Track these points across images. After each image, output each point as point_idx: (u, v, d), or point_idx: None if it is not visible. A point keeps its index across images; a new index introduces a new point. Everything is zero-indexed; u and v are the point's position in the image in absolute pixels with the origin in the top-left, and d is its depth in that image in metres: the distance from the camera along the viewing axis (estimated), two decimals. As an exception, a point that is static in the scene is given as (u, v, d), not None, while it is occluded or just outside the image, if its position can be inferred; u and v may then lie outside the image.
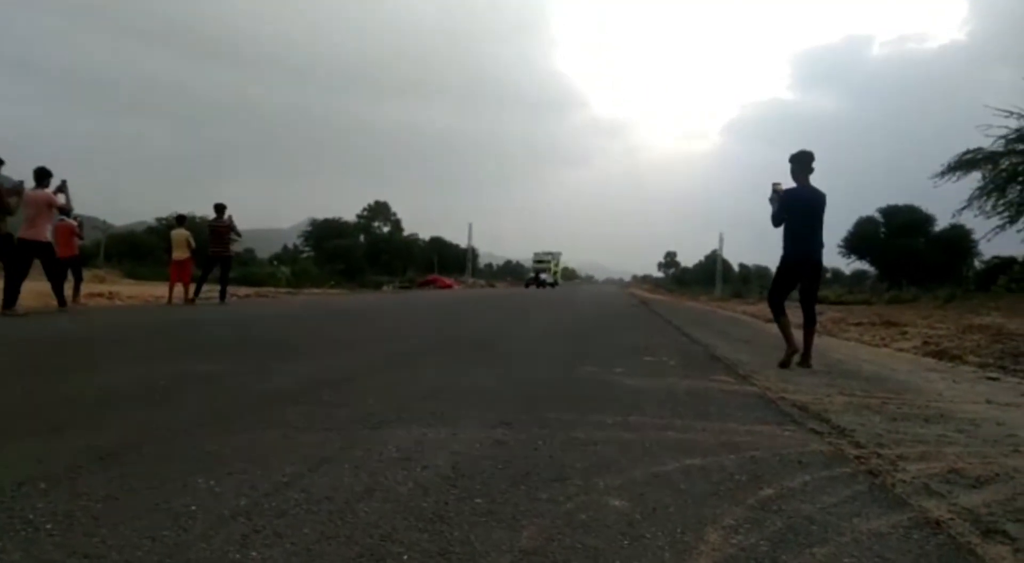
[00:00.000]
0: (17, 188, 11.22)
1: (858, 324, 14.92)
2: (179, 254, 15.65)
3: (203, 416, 3.74)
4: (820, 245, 7.37)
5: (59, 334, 8.43)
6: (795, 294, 7.74)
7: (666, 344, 9.38)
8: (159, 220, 51.79)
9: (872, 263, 50.02)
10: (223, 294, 16.61)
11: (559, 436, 3.55)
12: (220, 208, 16.70)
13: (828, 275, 79.75)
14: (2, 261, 11.10)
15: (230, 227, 16.34)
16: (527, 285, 69.97)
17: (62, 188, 12.11)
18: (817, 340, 7.76)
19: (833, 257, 51.41)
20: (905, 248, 43.66)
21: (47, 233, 11.57)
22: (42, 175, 11.55)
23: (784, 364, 7.18)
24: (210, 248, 16.34)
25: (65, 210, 12.53)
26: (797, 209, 7.23)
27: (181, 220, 16.90)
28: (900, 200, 47.44)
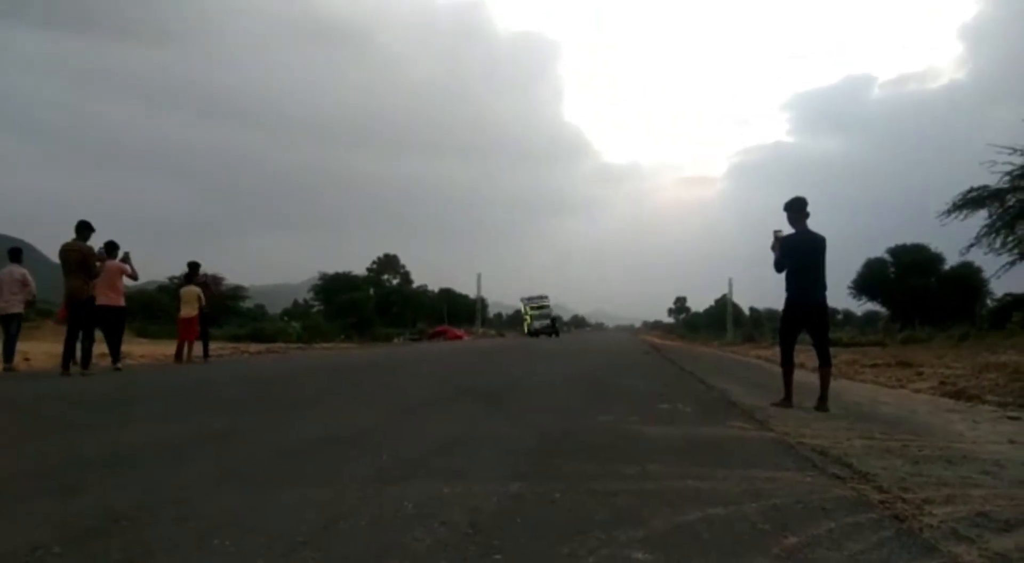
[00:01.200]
0: (102, 256, 11.90)
1: (873, 366, 14.79)
2: (188, 311, 15.54)
3: (218, 474, 3.71)
4: (823, 287, 7.45)
5: (73, 394, 8.42)
6: (805, 337, 7.81)
7: (681, 391, 9.30)
8: (171, 279, 52.10)
9: (883, 304, 49.72)
10: (206, 351, 16.40)
11: (577, 488, 3.50)
12: (194, 266, 16.61)
13: (839, 317, 79.41)
14: (80, 323, 11.41)
15: (207, 284, 16.23)
16: (534, 334, 60.26)
17: (126, 259, 12.75)
18: (833, 383, 7.69)
19: (843, 299, 51.15)
20: (916, 288, 43.43)
21: (122, 298, 12.35)
22: (112, 247, 12.39)
23: (776, 404, 7.38)
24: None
25: (134, 278, 13.19)
26: (797, 254, 7.35)
27: (192, 276, 16.74)
28: (908, 240, 47.32)
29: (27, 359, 13.29)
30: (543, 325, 61.99)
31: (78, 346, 11.50)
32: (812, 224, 7.39)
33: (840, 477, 3.89)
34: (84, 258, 11.27)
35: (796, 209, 7.42)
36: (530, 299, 68.04)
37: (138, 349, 18.84)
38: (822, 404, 7.20)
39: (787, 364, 7.60)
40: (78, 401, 7.73)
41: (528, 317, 65.61)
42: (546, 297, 69.32)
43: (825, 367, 7.45)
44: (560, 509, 3.12)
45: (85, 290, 11.25)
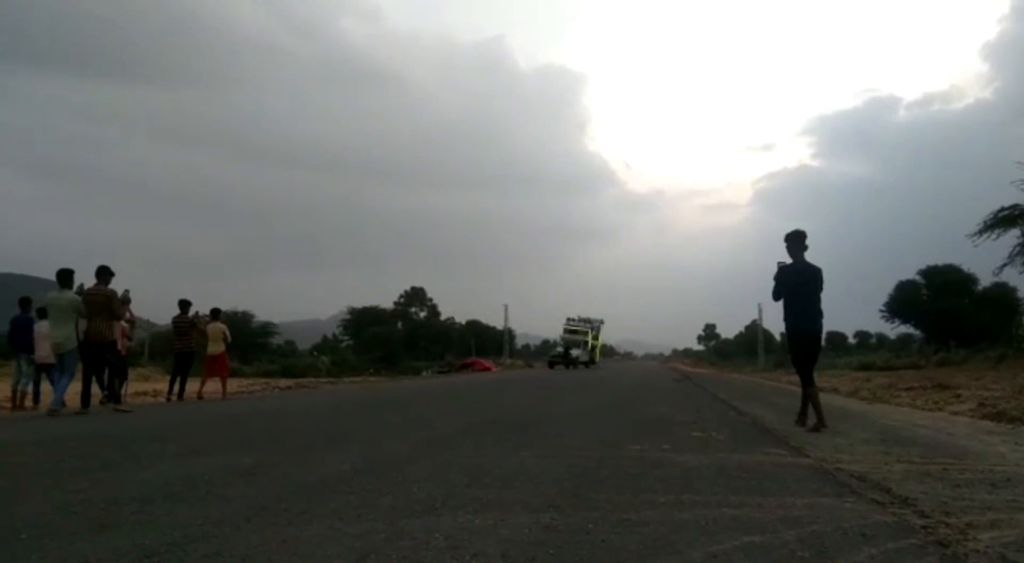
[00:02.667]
0: (126, 299, 12.67)
1: (909, 389, 14.54)
2: (214, 348, 15.53)
3: (248, 510, 3.70)
4: (817, 315, 7.76)
5: (104, 432, 8.49)
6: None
7: (713, 418, 9.19)
8: (202, 316, 52.72)
9: (916, 326, 49.02)
10: (182, 390, 15.59)
11: (610, 518, 3.44)
12: (184, 304, 16.11)
13: (872, 341, 78.22)
14: (100, 363, 11.66)
15: (193, 323, 15.79)
16: (551, 364, 52.01)
17: (126, 298, 13.15)
18: (869, 408, 7.77)
19: (876, 322, 50.49)
20: (949, 309, 42.76)
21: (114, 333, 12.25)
22: (104, 272, 12.15)
23: (801, 424, 7.76)
24: (176, 344, 15.93)
25: (130, 323, 13.86)
26: (789, 284, 7.70)
27: (216, 314, 16.78)
28: (940, 261, 46.66)
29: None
30: (570, 354, 52.67)
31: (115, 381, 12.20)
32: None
33: (880, 502, 3.81)
34: (108, 301, 11.59)
35: (796, 240, 7.78)
36: (570, 321, 59.19)
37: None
38: (818, 421, 7.47)
39: (809, 386, 7.83)
40: (106, 438, 7.79)
41: (561, 345, 57.02)
42: (589, 323, 59.18)
43: (809, 387, 7.78)
44: (593, 540, 3.07)
45: (108, 333, 11.59)
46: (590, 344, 57.52)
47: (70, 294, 11.49)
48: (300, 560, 2.78)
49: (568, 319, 59.30)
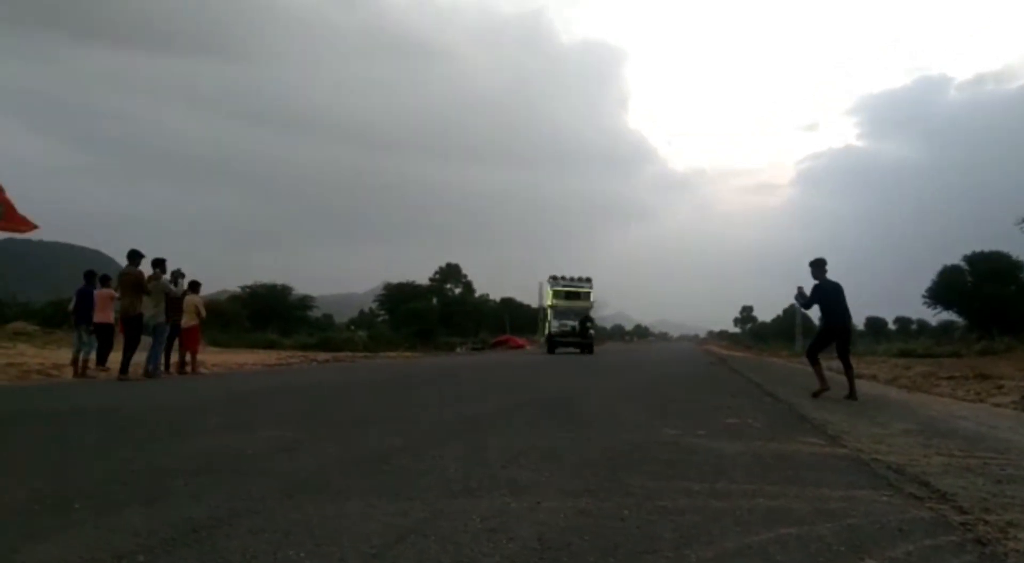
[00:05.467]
0: (157, 276, 13.53)
1: (949, 378, 14.30)
2: (187, 320, 14.96)
3: (289, 485, 3.79)
4: (846, 312, 10.40)
5: (152, 403, 8.71)
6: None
7: (749, 404, 9.15)
8: (243, 288, 53.42)
9: (959, 313, 48.03)
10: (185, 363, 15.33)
11: (645, 505, 3.47)
12: (157, 260, 14.40)
13: (913, 327, 76.90)
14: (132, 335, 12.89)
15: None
16: (552, 346, 35.34)
17: (175, 278, 14.44)
18: (908, 396, 7.85)
19: (918, 308, 49.61)
20: (994, 296, 41.77)
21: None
22: (159, 262, 13.60)
23: (816, 395, 9.99)
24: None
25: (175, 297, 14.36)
26: (826, 297, 10.29)
27: (194, 286, 15.84)
28: (986, 247, 45.52)
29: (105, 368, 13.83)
30: (564, 329, 35.63)
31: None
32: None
33: (918, 497, 3.78)
34: (138, 281, 12.80)
35: (819, 266, 10.37)
36: (557, 280, 39.63)
37: (210, 358, 19.39)
38: (852, 394, 9.81)
39: (816, 364, 10.42)
40: (153, 409, 7.99)
41: (548, 313, 38.78)
42: (585, 281, 39.78)
43: (849, 371, 10.17)
44: (628, 526, 3.10)
45: (135, 307, 12.76)
46: (585, 314, 37.64)
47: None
48: (341, 538, 2.84)
49: (553, 278, 39.77)
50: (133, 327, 12.86)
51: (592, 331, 36.49)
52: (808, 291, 10.49)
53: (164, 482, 3.85)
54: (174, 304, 14.22)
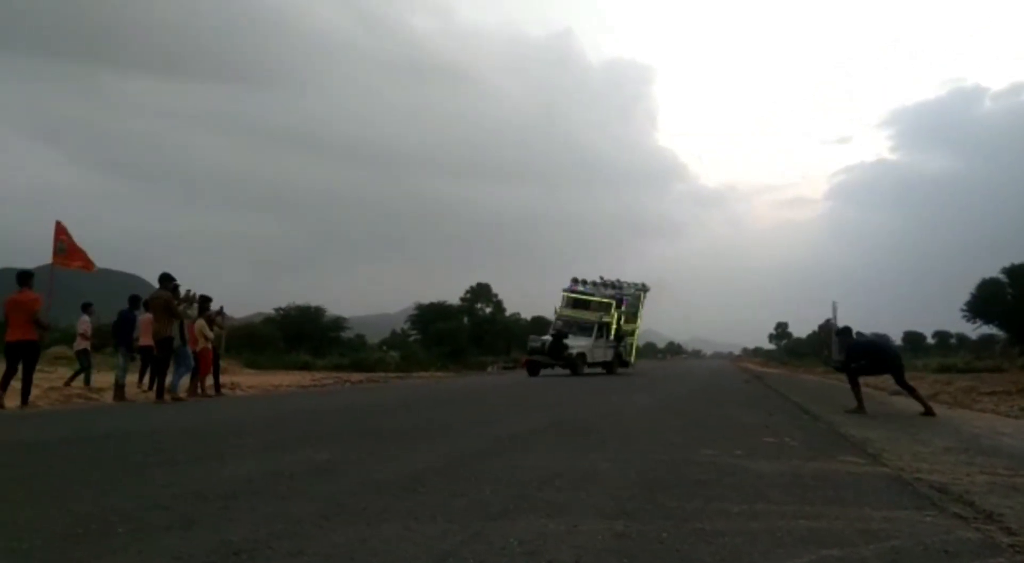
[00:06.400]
0: (191, 297, 14.11)
1: (991, 393, 14.02)
2: (200, 344, 14.73)
3: (327, 508, 3.81)
4: (893, 348, 11.36)
5: (189, 426, 8.81)
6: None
7: (786, 422, 9.03)
8: (277, 310, 53.98)
9: (1000, 326, 47.09)
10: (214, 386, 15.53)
11: (683, 527, 3.43)
12: (205, 299, 15.29)
13: (952, 341, 75.49)
14: (164, 357, 12.95)
15: (211, 318, 15.34)
16: (532, 369, 28.19)
17: (210, 317, 15.04)
18: (949, 413, 7.69)
19: (957, 322, 48.77)
20: (1036, 309, 40.91)
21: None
22: (166, 279, 13.42)
23: (850, 412, 10.21)
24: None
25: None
26: (868, 350, 10.75)
27: (202, 310, 15.42)
28: (1025, 259, 44.55)
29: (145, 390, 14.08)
30: (534, 345, 29.02)
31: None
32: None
33: (962, 517, 3.70)
34: (166, 304, 12.93)
35: (846, 334, 11.25)
36: (576, 283, 31.97)
37: (246, 380, 19.58)
38: (928, 411, 10.14)
39: (856, 384, 10.71)
40: (189, 432, 8.09)
41: (552, 329, 30.10)
42: (616, 287, 32.20)
43: (913, 392, 10.64)
44: (667, 549, 3.07)
45: (166, 330, 12.84)
46: (613, 327, 30.16)
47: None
48: (380, 560, 2.85)
49: (573, 281, 32.08)
50: (163, 350, 12.98)
51: (576, 352, 27.72)
52: (840, 338, 11.59)
53: (202, 505, 3.89)
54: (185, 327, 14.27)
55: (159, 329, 12.93)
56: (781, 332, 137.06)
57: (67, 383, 15.00)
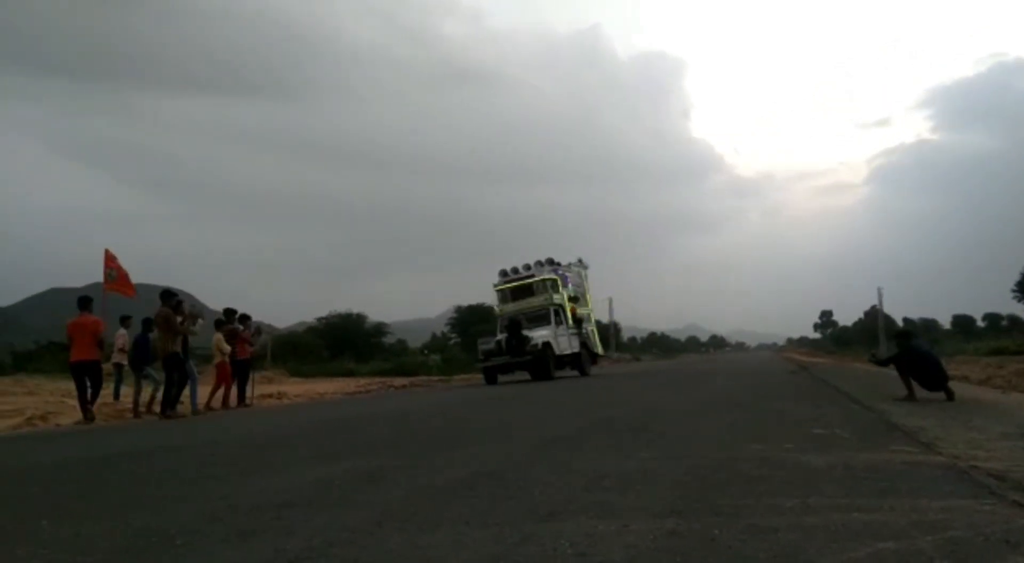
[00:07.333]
0: (192, 311, 14.13)
1: (1048, 376, 13.65)
2: (218, 358, 15.59)
3: (379, 515, 3.85)
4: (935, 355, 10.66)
5: (235, 437, 8.97)
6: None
7: (835, 413, 8.88)
8: (319, 319, 54.73)
9: (1053, 306, 45.95)
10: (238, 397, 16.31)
11: (735, 524, 3.40)
12: (229, 313, 16.65)
13: (1004, 323, 73.75)
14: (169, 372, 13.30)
15: (234, 330, 16.14)
16: (488, 375, 24.39)
17: (250, 333, 16.30)
18: (1004, 397, 7.65)
19: (1007, 303, 47.75)
20: (1092, 287, 39.78)
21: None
22: (168, 296, 13.90)
23: (900, 400, 9.89)
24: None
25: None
26: (920, 359, 10.17)
27: (219, 324, 16.31)
28: (1079, 236, 43.41)
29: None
30: (486, 347, 25.06)
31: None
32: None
33: (1023, 505, 3.62)
34: (166, 320, 13.20)
35: (904, 336, 10.81)
36: (503, 276, 27.04)
37: (292, 389, 19.85)
38: (950, 397, 9.79)
39: (906, 374, 10.23)
40: (240, 444, 8.22)
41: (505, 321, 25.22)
42: (542, 266, 26.47)
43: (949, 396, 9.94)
44: (720, 547, 3.05)
45: (169, 347, 13.10)
46: (568, 307, 25.67)
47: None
48: (433, 567, 2.88)
49: (502, 273, 27.11)
50: (169, 366, 13.18)
51: (541, 342, 23.27)
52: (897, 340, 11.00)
53: (257, 516, 3.96)
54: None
55: (163, 346, 13.17)
56: (826, 320, 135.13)
57: (115, 398, 15.44)
